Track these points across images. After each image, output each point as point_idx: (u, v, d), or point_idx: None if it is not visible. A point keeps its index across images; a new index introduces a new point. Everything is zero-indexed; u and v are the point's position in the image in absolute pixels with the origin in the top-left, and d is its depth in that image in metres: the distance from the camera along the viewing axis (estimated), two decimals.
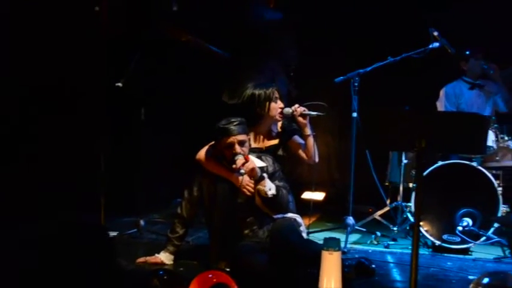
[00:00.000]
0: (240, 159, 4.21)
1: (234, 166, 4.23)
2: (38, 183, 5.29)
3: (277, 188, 4.32)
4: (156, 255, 4.53)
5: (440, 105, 6.12)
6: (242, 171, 4.20)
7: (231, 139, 4.29)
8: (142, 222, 5.44)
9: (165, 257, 4.52)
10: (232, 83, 5.79)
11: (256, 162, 4.41)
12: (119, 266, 3.88)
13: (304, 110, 4.70)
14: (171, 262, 4.52)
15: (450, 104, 6.08)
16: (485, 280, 2.92)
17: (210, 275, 3.44)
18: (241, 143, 4.31)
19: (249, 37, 5.75)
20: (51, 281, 3.10)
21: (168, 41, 5.94)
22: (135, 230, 5.42)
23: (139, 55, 5.12)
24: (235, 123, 4.30)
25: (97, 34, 4.92)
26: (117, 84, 5.01)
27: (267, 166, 4.45)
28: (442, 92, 6.13)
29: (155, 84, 6.01)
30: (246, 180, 4.33)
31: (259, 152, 4.60)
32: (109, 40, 5.02)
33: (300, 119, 4.70)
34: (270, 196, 4.27)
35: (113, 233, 5.27)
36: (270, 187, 4.27)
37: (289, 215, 4.50)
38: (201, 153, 4.52)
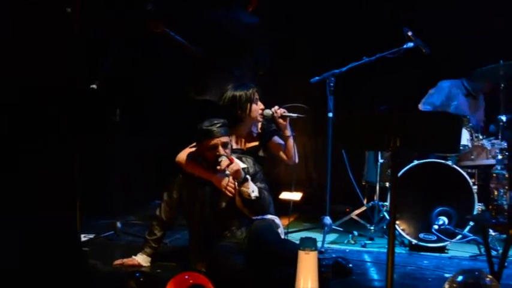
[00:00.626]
0: (224, 161, 4.19)
1: (218, 167, 4.20)
2: (12, 187, 5.22)
3: (260, 190, 4.31)
4: (133, 257, 4.50)
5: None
6: (227, 172, 4.18)
7: (215, 141, 4.26)
8: (119, 224, 5.40)
9: (142, 259, 4.49)
10: (201, 79, 5.78)
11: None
12: (91, 269, 3.84)
13: (284, 112, 4.72)
14: (148, 264, 4.48)
15: (440, 97, 6.13)
16: (460, 278, 2.94)
17: (186, 277, 3.42)
18: (225, 145, 4.28)
19: (221, 38, 5.75)
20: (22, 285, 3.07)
21: (145, 41, 5.92)
22: (112, 232, 5.38)
23: (114, 56, 5.09)
24: (218, 125, 4.27)
25: (70, 35, 4.87)
26: (91, 86, 4.97)
27: (248, 168, 4.43)
28: (437, 86, 6.17)
29: (130, 85, 5.98)
30: (227, 181, 4.32)
31: (240, 153, 4.59)
32: (82, 41, 4.97)
33: (280, 120, 4.71)
34: (253, 198, 4.26)
35: (89, 235, 5.23)
36: (253, 189, 4.26)
37: (268, 216, 4.49)
38: (181, 156, 4.49)
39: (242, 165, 4.40)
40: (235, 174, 4.22)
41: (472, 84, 6.16)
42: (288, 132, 4.75)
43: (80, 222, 4.63)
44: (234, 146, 4.70)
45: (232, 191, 4.33)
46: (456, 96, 6.17)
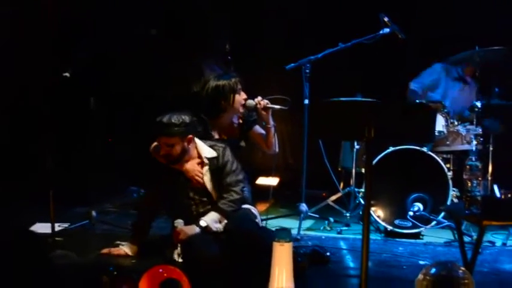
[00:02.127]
0: (174, 239, 4.14)
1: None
2: None
3: (221, 210, 4.27)
4: (120, 246, 4.49)
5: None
6: (176, 256, 4.10)
7: (160, 139, 4.28)
8: (94, 213, 5.35)
9: (128, 249, 4.47)
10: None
11: (205, 152, 4.38)
12: (56, 265, 3.79)
13: (267, 103, 4.69)
14: (135, 254, 4.46)
15: (425, 78, 6.14)
16: (433, 270, 2.95)
17: (160, 270, 3.39)
18: (168, 145, 4.26)
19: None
20: None
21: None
22: (87, 221, 5.33)
23: (87, 43, 5.02)
24: (169, 124, 4.21)
25: (42, 23, 4.81)
26: (64, 74, 4.90)
27: (218, 157, 4.39)
28: (433, 66, 6.17)
29: (104, 72, 5.91)
30: (194, 169, 4.30)
31: (215, 142, 4.54)
32: (55, 29, 4.91)
33: (263, 111, 4.68)
34: (224, 229, 4.26)
35: (63, 225, 5.18)
36: (217, 221, 4.25)
37: (245, 205, 4.48)
38: (152, 146, 4.47)
39: (211, 154, 4.36)
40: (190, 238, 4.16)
41: (456, 68, 6.15)
42: (270, 123, 4.73)
43: (53, 211, 4.60)
44: (216, 137, 4.68)
45: (200, 180, 4.32)
46: (445, 79, 6.17)
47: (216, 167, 4.37)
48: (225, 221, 4.25)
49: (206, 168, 4.37)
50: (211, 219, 4.24)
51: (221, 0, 5.99)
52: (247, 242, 4.10)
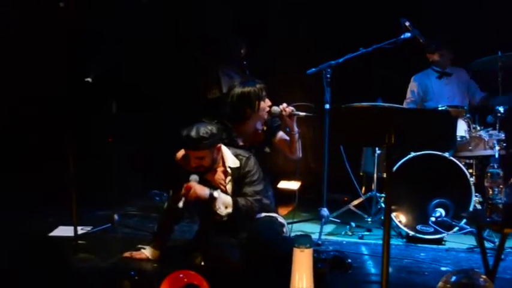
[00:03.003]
0: (183, 190, 4.19)
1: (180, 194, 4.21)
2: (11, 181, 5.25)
3: (235, 201, 4.28)
4: (142, 250, 4.52)
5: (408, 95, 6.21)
6: (180, 204, 4.16)
7: (188, 152, 4.29)
8: (116, 216, 5.40)
9: (150, 253, 4.50)
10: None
11: (229, 161, 4.39)
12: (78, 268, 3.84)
13: (293, 110, 4.69)
14: (156, 258, 4.49)
15: (413, 96, 6.14)
16: (453, 278, 2.94)
17: (181, 275, 3.41)
18: (199, 158, 4.27)
19: None
20: None
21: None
22: (109, 224, 5.37)
23: (108, 49, 5.07)
24: (198, 139, 4.21)
25: (64, 29, 4.86)
26: (86, 79, 4.95)
27: (239, 168, 4.39)
28: (411, 82, 6.19)
29: (126, 77, 5.97)
30: (217, 177, 4.32)
31: (241, 149, 4.55)
32: (77, 35, 4.97)
33: (288, 118, 4.69)
34: (224, 216, 4.27)
35: (86, 228, 5.23)
36: (225, 205, 4.26)
37: (272, 214, 4.50)
38: (179, 154, 4.49)
39: (234, 164, 4.37)
40: (197, 199, 4.21)
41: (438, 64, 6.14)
42: (295, 130, 4.73)
43: (75, 214, 4.65)
44: (240, 143, 4.70)
45: (223, 189, 4.36)
46: (430, 83, 6.15)
47: (238, 176, 4.38)
48: (230, 210, 4.24)
49: (229, 178, 4.39)
50: (223, 200, 4.26)
51: (237, 6, 6.01)
52: (267, 252, 4.10)
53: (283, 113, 4.68)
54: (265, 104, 4.69)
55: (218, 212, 4.25)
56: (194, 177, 4.23)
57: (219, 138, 4.33)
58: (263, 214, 4.47)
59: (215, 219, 4.30)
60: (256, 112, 4.65)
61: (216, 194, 4.25)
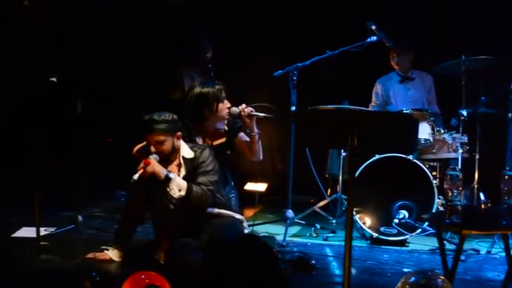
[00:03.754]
0: (141, 163, 4.22)
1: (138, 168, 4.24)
2: None
3: (189, 186, 4.29)
4: (105, 251, 4.48)
5: (373, 98, 6.29)
6: (135, 176, 4.20)
7: (149, 136, 4.30)
8: (80, 217, 5.35)
9: (113, 254, 4.45)
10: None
11: (185, 152, 4.40)
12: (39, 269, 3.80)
13: (251, 111, 4.70)
14: (120, 259, 4.45)
15: (377, 99, 6.22)
16: (412, 279, 2.97)
17: (142, 276, 3.40)
18: (159, 142, 4.29)
19: None
20: None
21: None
22: (73, 226, 5.32)
23: (74, 49, 5.04)
24: (160, 121, 4.25)
25: (30, 28, 4.82)
26: (51, 79, 4.91)
27: (194, 157, 4.40)
28: (375, 84, 6.26)
29: (91, 77, 5.93)
30: (172, 170, 4.35)
31: (193, 143, 4.56)
32: (43, 34, 4.92)
33: (247, 119, 4.70)
34: (176, 198, 4.27)
35: (49, 229, 5.18)
36: (178, 188, 4.27)
37: (227, 212, 4.50)
38: (136, 148, 4.49)
39: (189, 154, 4.38)
40: (153, 174, 4.23)
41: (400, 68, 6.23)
42: (255, 131, 4.74)
43: (39, 215, 4.59)
44: (200, 142, 4.69)
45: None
46: (393, 86, 6.24)
47: (192, 167, 4.39)
48: (183, 194, 4.25)
49: (183, 170, 4.38)
50: (177, 182, 4.27)
51: (202, 8, 6.01)
52: (226, 251, 4.10)
53: (242, 113, 4.69)
54: (224, 105, 4.69)
55: (171, 193, 4.25)
56: (154, 156, 4.26)
57: (180, 126, 4.38)
58: (216, 210, 4.46)
59: (165, 204, 4.29)
60: (214, 113, 4.65)
61: (172, 175, 4.27)
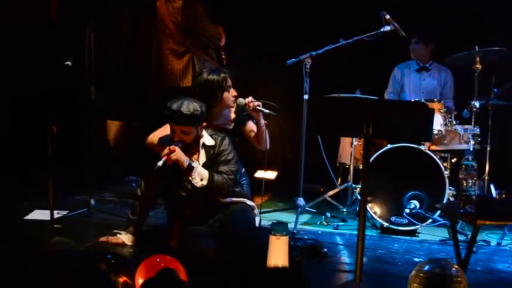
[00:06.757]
0: (166, 150, 4.22)
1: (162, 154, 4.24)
2: None
3: (211, 175, 4.30)
4: (118, 235, 4.53)
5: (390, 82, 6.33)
6: (160, 162, 4.18)
7: (175, 126, 4.30)
8: (92, 201, 5.37)
9: (126, 238, 4.52)
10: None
11: (206, 140, 4.41)
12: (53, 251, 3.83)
13: (258, 105, 4.70)
14: (132, 243, 4.51)
15: (394, 84, 6.24)
16: (426, 267, 2.98)
17: (157, 259, 3.42)
18: (186, 133, 4.30)
19: None
20: None
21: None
22: (86, 209, 5.36)
23: (88, 32, 5.04)
24: (189, 115, 4.21)
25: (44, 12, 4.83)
26: (66, 62, 4.93)
27: (215, 146, 4.42)
28: (394, 70, 6.27)
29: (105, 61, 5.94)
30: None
31: (214, 131, 4.57)
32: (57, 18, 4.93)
33: (253, 112, 4.71)
34: (199, 187, 4.29)
35: (62, 212, 5.21)
36: (200, 177, 4.28)
37: (240, 199, 4.52)
38: (151, 137, 4.51)
39: (209, 142, 4.39)
40: (176, 162, 4.23)
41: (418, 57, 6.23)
42: (261, 123, 4.76)
43: (52, 199, 4.63)
44: (209, 130, 4.70)
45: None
46: (408, 75, 6.26)
47: (213, 154, 4.40)
48: (205, 183, 4.27)
49: (203, 156, 4.40)
50: (199, 171, 4.28)
51: None
52: (240, 240, 4.13)
53: (248, 106, 4.70)
54: (230, 94, 4.69)
55: (193, 182, 4.26)
56: (178, 144, 4.25)
57: (206, 116, 4.37)
58: (232, 199, 4.49)
59: (183, 192, 4.33)
60: (217, 102, 4.66)
61: (194, 164, 4.28)
